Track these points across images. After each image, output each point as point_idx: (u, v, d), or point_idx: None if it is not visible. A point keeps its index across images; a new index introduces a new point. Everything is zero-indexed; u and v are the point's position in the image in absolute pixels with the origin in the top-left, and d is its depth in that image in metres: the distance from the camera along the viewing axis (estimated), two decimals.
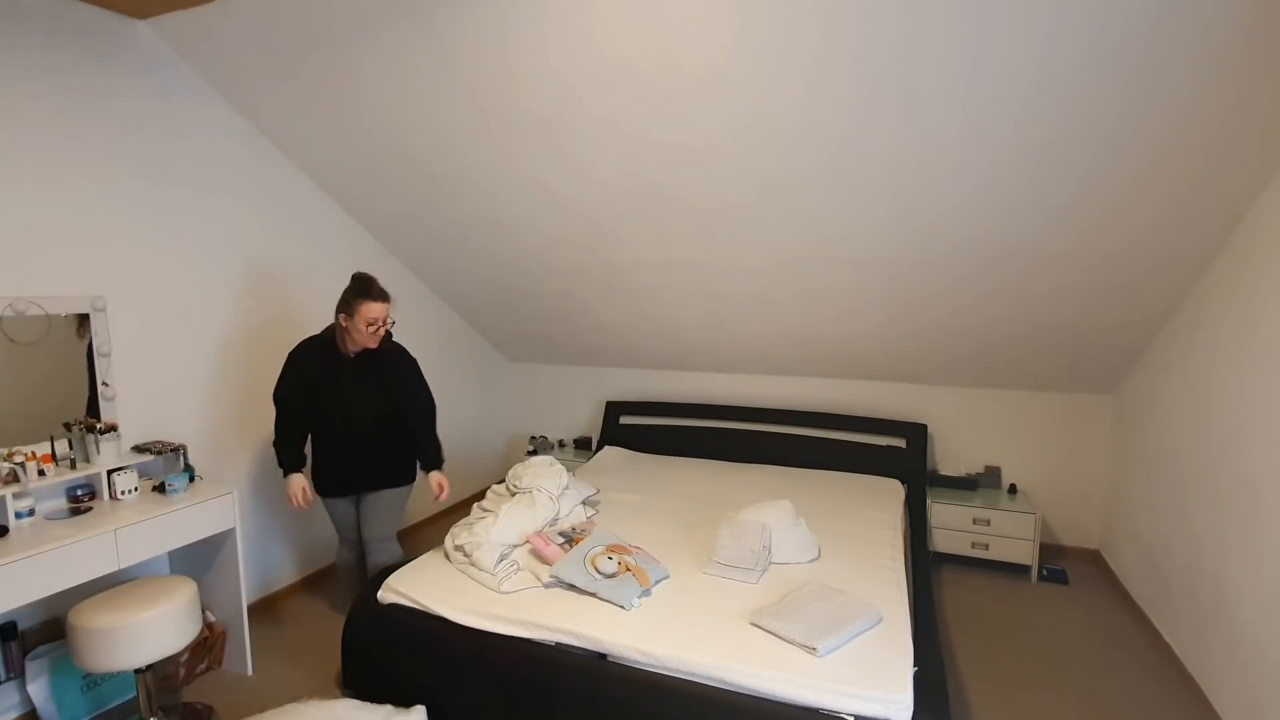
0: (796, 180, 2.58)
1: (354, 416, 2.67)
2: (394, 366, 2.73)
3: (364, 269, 2.61)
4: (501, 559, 2.40)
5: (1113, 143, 2.14)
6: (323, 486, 2.77)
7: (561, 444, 4.74)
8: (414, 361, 2.81)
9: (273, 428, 2.74)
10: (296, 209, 3.21)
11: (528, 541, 2.51)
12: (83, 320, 2.39)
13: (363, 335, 2.55)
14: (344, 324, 2.57)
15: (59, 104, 2.30)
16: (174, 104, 2.64)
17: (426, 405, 2.83)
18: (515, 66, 2.33)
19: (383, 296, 2.56)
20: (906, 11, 1.87)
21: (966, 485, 3.70)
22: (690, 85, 2.26)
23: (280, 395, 2.68)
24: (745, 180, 2.64)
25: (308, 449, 2.78)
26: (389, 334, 2.67)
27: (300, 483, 2.68)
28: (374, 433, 2.71)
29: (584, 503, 3.00)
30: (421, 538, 3.94)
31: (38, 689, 2.22)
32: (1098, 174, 2.27)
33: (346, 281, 2.58)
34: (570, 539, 2.50)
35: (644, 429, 4.32)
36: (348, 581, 2.95)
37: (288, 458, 2.68)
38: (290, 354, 2.69)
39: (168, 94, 2.61)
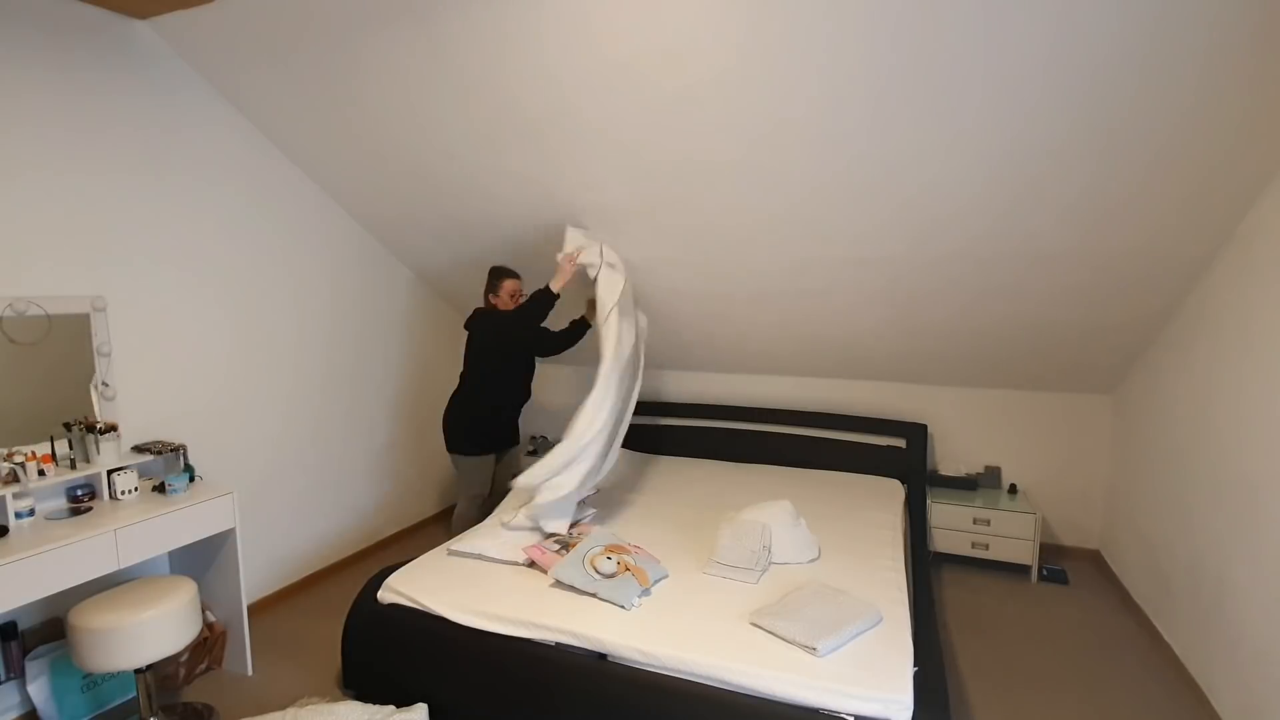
0: (799, 181, 2.57)
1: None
2: None
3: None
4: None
5: (1117, 144, 2.14)
6: (483, 445, 3.22)
7: None
8: None
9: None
10: (296, 209, 3.21)
11: (525, 552, 2.50)
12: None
13: (508, 306, 3.14)
14: (494, 301, 3.15)
15: (59, 104, 2.30)
16: (174, 104, 2.64)
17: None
18: (515, 67, 2.33)
19: (516, 274, 3.19)
20: (915, 14, 1.87)
21: (966, 485, 3.70)
22: (693, 87, 2.25)
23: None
24: (747, 181, 2.63)
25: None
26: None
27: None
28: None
29: (583, 502, 3.01)
30: (423, 536, 3.94)
31: (38, 689, 2.22)
32: (1101, 175, 2.27)
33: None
34: (565, 544, 2.50)
35: (644, 429, 4.31)
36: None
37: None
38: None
39: (168, 94, 2.61)
